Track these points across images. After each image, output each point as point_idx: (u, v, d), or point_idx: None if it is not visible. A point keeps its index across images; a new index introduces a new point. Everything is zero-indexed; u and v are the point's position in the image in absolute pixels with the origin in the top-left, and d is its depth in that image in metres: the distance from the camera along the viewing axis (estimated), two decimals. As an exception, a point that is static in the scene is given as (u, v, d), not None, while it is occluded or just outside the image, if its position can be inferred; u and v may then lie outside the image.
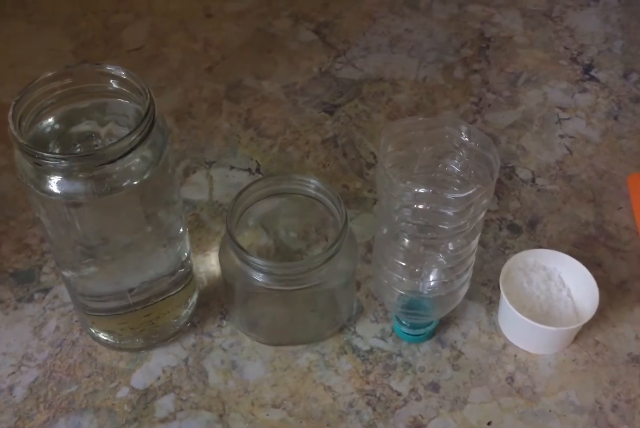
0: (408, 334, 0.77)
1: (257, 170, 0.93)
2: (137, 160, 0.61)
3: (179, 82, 1.03)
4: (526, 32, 1.10)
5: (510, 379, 0.75)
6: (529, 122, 0.99)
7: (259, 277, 0.69)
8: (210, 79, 1.04)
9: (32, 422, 0.73)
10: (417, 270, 0.70)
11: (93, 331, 0.76)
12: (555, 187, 0.91)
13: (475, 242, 0.69)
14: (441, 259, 0.69)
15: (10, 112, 0.59)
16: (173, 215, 0.69)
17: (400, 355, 0.77)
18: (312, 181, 0.73)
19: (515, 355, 0.77)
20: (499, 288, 0.76)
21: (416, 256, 0.69)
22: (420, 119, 0.67)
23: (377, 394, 0.74)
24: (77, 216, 0.62)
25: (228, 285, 0.74)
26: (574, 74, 1.05)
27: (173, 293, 0.74)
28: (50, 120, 0.63)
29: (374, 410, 0.73)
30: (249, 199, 0.73)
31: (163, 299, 0.73)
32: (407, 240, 0.68)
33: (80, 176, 0.59)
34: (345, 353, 0.77)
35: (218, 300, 0.81)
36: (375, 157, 0.94)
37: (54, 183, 0.59)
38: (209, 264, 0.84)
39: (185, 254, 0.74)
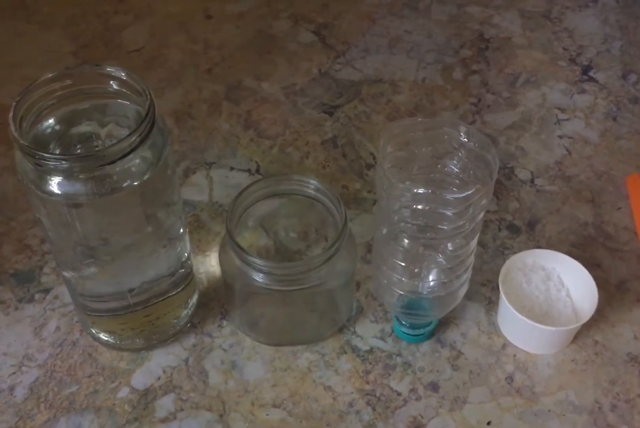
0: (408, 334, 0.77)
1: (257, 171, 0.93)
2: (137, 161, 0.61)
3: (179, 83, 1.03)
4: (525, 33, 1.10)
5: (510, 379, 0.76)
6: (528, 123, 0.99)
7: (258, 277, 0.69)
8: (210, 80, 1.04)
9: (33, 422, 0.73)
10: (416, 270, 0.70)
11: (93, 331, 0.76)
12: (554, 187, 0.92)
13: (474, 242, 0.69)
14: (440, 259, 0.69)
15: (11, 114, 0.59)
16: (173, 216, 0.69)
17: (399, 355, 0.77)
18: (312, 181, 0.73)
19: (515, 355, 0.77)
20: (498, 288, 0.76)
21: (415, 257, 0.69)
22: (420, 119, 0.67)
23: (377, 394, 0.75)
24: (78, 216, 0.62)
25: (228, 285, 0.74)
26: (572, 75, 1.05)
27: (173, 293, 0.74)
28: (51, 121, 0.63)
29: (374, 410, 0.74)
30: (249, 200, 0.73)
31: (163, 299, 0.73)
32: (406, 240, 0.68)
33: (81, 176, 0.59)
34: (345, 353, 0.77)
35: (218, 300, 0.81)
36: (374, 158, 0.94)
37: (55, 184, 0.59)
38: (209, 264, 0.84)
39: (185, 254, 0.74)
